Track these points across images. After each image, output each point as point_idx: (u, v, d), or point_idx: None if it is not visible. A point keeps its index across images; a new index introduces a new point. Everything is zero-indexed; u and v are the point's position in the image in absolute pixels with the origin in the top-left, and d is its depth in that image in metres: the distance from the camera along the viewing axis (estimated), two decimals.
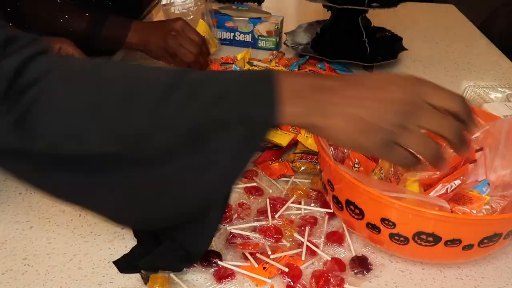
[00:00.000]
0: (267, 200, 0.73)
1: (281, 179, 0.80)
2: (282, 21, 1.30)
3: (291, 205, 0.73)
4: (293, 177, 0.80)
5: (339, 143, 0.56)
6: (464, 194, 0.64)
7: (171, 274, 0.61)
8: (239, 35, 1.30)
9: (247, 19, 1.27)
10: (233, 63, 1.11)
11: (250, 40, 1.30)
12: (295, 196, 0.75)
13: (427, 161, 0.50)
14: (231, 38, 1.31)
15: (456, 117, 0.50)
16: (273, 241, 0.66)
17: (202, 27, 1.17)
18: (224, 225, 0.69)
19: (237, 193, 0.76)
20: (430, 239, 0.58)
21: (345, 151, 0.70)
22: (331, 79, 0.50)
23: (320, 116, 0.48)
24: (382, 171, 0.69)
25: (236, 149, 0.50)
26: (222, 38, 1.31)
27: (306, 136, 0.84)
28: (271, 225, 0.68)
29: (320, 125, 0.49)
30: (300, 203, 0.73)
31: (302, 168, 0.80)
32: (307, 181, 0.79)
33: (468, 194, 0.64)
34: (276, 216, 0.70)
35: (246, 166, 0.54)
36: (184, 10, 1.24)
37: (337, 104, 0.48)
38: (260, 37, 1.29)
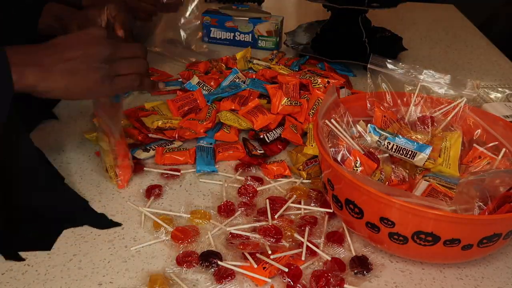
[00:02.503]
0: (267, 200, 0.73)
1: (281, 179, 0.80)
2: (282, 21, 1.30)
3: (291, 205, 0.73)
4: (291, 177, 0.80)
5: (70, 96, 0.64)
6: None
7: (171, 274, 0.62)
8: (239, 35, 1.30)
9: (247, 19, 1.27)
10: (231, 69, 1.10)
11: (250, 40, 1.30)
12: (295, 196, 0.75)
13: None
14: (231, 38, 1.31)
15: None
16: (273, 241, 0.66)
17: None
18: (224, 226, 0.69)
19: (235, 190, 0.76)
20: (429, 238, 0.58)
21: (346, 152, 0.70)
22: (44, 47, 0.61)
23: (37, 79, 0.58)
24: (383, 173, 0.69)
25: None
26: (222, 38, 1.31)
27: (312, 145, 0.84)
28: (270, 225, 0.68)
29: (41, 87, 0.59)
30: (300, 203, 0.73)
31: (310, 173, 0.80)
32: (307, 181, 0.79)
33: None
34: (276, 216, 0.70)
35: None
36: None
37: (49, 65, 0.59)
38: (260, 37, 1.29)
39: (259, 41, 1.29)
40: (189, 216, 0.71)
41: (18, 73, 0.57)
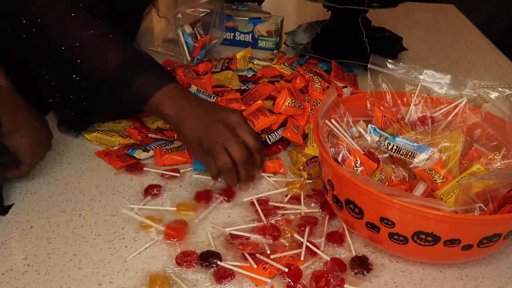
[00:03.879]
0: (255, 200, 0.73)
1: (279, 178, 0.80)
2: (282, 21, 1.30)
3: (279, 204, 0.74)
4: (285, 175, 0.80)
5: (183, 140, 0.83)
6: None
7: (171, 274, 0.62)
8: (239, 35, 1.30)
9: (247, 19, 1.28)
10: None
11: (250, 40, 1.30)
12: (290, 195, 0.75)
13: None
14: (231, 38, 1.31)
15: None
16: (272, 239, 0.66)
17: None
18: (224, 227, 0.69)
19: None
20: (429, 238, 0.58)
21: (346, 152, 0.70)
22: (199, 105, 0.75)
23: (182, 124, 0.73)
24: (383, 173, 0.69)
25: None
26: (223, 38, 1.31)
27: (313, 146, 0.84)
28: (267, 224, 0.68)
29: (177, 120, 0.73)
30: (298, 200, 0.74)
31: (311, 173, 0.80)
32: (308, 181, 0.79)
33: None
34: (271, 218, 0.70)
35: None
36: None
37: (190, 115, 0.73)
38: (260, 37, 1.29)
39: (259, 41, 1.29)
40: (174, 209, 0.72)
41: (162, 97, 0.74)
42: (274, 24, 1.27)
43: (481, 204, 0.60)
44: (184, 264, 0.63)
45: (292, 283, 0.60)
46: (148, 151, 0.83)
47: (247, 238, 0.67)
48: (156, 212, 0.72)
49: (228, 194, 0.76)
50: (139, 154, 0.83)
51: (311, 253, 0.65)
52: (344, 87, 1.03)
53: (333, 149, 0.69)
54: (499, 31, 1.67)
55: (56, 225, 0.70)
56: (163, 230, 0.68)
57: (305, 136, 0.89)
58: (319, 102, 0.94)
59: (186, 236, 0.68)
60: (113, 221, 0.71)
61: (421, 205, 0.57)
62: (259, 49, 1.29)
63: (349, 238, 0.68)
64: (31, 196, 0.74)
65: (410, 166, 0.69)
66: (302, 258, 0.64)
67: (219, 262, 0.62)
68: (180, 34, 1.14)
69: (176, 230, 0.68)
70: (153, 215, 0.71)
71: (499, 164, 0.68)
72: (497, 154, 0.70)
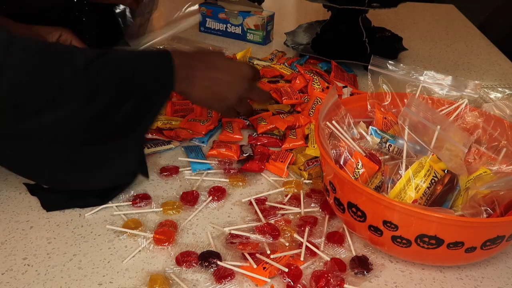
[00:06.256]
0: (253, 200, 0.73)
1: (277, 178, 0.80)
2: (272, 16, 1.31)
3: (278, 205, 0.74)
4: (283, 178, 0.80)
5: (199, 104, 0.89)
6: None
7: (171, 274, 0.62)
8: (230, 27, 1.33)
9: (237, 12, 1.30)
10: None
11: (240, 32, 1.32)
12: (290, 194, 0.75)
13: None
14: (224, 29, 1.34)
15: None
16: (271, 239, 0.66)
17: None
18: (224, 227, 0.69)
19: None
20: (433, 241, 0.58)
21: (347, 154, 0.70)
22: (198, 60, 0.75)
23: (186, 85, 0.72)
24: (384, 175, 0.69)
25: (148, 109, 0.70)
26: (216, 29, 1.35)
27: (314, 146, 0.84)
28: (265, 224, 0.68)
29: (186, 91, 0.74)
30: (297, 200, 0.74)
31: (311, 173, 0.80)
32: (308, 181, 0.79)
33: None
34: (271, 218, 0.70)
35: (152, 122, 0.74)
36: None
37: (199, 78, 0.73)
38: (248, 30, 1.32)
39: (248, 34, 1.32)
40: (161, 209, 0.72)
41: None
42: (261, 18, 1.29)
43: (488, 208, 0.60)
44: (184, 264, 0.63)
45: (292, 283, 0.60)
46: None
47: (247, 238, 0.67)
48: (141, 215, 0.71)
49: (217, 193, 0.76)
50: None
51: (311, 253, 0.65)
52: (344, 87, 1.03)
53: (334, 151, 0.69)
54: (499, 31, 1.67)
55: (56, 225, 0.70)
56: (151, 237, 0.67)
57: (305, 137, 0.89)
58: (319, 101, 0.94)
59: (176, 238, 0.67)
60: (113, 221, 0.71)
61: (425, 208, 0.57)
62: (247, 42, 1.32)
63: (349, 238, 0.68)
64: (31, 196, 0.74)
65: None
66: (302, 258, 0.64)
67: (219, 262, 0.62)
68: None
69: (165, 233, 0.67)
70: (138, 218, 0.71)
71: (504, 166, 0.68)
72: (498, 155, 0.70)
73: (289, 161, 0.82)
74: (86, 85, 0.61)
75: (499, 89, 1.07)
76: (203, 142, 0.88)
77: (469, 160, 0.72)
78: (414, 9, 1.68)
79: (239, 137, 0.89)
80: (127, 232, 0.68)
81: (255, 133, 0.90)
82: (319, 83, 1.00)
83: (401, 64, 0.79)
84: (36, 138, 0.65)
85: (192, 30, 1.37)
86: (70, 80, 0.59)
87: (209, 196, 0.75)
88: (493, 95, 1.04)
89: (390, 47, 1.26)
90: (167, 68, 0.69)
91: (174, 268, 0.63)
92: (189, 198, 0.74)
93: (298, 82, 1.02)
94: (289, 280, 0.61)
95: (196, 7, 1.35)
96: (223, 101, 0.77)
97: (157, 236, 0.66)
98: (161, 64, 0.70)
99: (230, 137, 0.89)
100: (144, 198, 0.74)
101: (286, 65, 1.13)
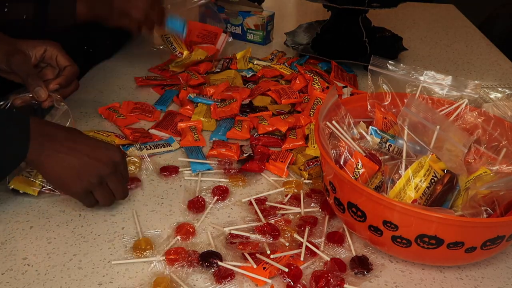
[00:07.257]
0: (253, 200, 0.73)
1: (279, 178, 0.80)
2: (272, 16, 1.31)
3: (277, 205, 0.73)
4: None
5: (48, 179, 0.72)
6: None
7: (171, 274, 0.61)
8: (231, 27, 1.34)
9: (237, 12, 1.31)
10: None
11: (240, 32, 1.33)
12: (290, 194, 0.75)
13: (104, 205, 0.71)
14: (223, 29, 1.33)
15: None
16: (271, 239, 0.66)
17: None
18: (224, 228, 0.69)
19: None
20: (433, 241, 0.58)
21: (347, 154, 0.70)
22: (58, 130, 0.68)
23: (38, 155, 0.64)
24: (384, 175, 0.69)
25: None
26: None
27: (314, 146, 0.84)
28: (265, 224, 0.68)
29: (36, 162, 0.65)
30: (297, 200, 0.74)
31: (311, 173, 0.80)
32: (308, 181, 0.79)
33: None
34: (271, 218, 0.70)
35: None
36: None
37: (56, 150, 0.65)
38: (248, 30, 1.32)
39: (248, 34, 1.33)
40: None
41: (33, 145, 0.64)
42: (261, 18, 1.29)
43: (488, 208, 0.60)
44: (185, 264, 0.63)
45: (292, 283, 0.60)
46: (141, 149, 0.84)
47: (247, 238, 0.67)
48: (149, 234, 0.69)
49: (221, 193, 0.76)
50: (133, 152, 0.83)
51: (311, 253, 0.65)
52: (344, 87, 1.04)
53: (335, 151, 0.69)
54: (499, 31, 1.67)
55: (56, 225, 0.70)
56: (162, 260, 0.64)
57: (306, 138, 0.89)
58: (319, 101, 0.95)
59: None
60: (113, 221, 0.71)
61: (425, 208, 0.57)
62: (248, 41, 1.33)
63: (349, 238, 0.68)
64: (31, 196, 0.74)
65: None
66: (302, 258, 0.64)
67: (219, 262, 0.62)
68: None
69: (177, 253, 0.64)
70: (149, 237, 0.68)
71: (504, 166, 0.68)
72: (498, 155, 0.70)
73: (289, 161, 0.82)
74: None
75: (499, 89, 1.06)
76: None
77: (469, 160, 0.72)
78: (414, 9, 1.68)
79: (247, 136, 0.89)
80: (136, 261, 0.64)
81: (256, 133, 0.90)
82: (319, 83, 1.00)
83: (401, 64, 0.79)
84: None
85: None
86: None
87: (213, 197, 0.75)
88: (493, 95, 1.04)
89: (390, 47, 1.26)
90: (21, 135, 0.63)
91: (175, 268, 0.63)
92: (197, 206, 0.73)
93: (298, 82, 1.02)
94: (289, 280, 0.61)
95: None
96: (80, 181, 0.66)
97: (169, 257, 0.63)
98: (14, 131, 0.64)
99: (237, 135, 0.89)
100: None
101: (286, 65, 1.13)
